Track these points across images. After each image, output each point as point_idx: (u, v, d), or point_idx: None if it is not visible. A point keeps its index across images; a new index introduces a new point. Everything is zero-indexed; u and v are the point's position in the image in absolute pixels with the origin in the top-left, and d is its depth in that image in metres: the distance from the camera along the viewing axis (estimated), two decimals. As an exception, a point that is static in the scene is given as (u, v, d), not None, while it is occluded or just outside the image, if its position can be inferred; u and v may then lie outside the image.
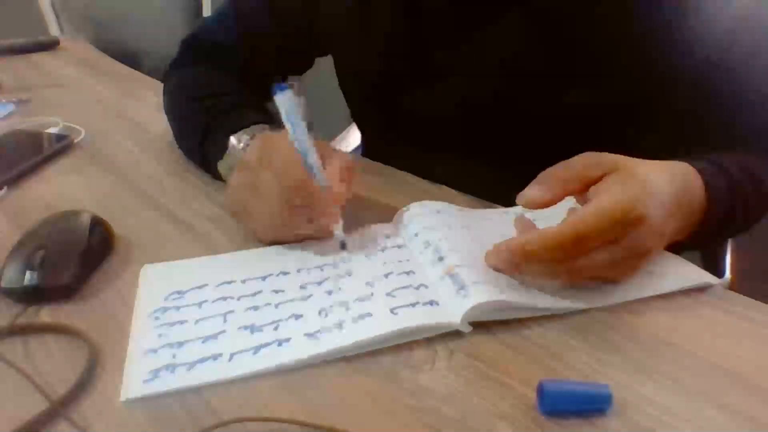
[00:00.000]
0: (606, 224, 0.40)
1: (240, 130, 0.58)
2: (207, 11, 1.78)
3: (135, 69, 1.16)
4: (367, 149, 0.84)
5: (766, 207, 0.56)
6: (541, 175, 0.44)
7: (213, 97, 0.67)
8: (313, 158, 0.48)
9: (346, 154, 0.53)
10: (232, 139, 0.58)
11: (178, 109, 0.73)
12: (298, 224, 0.50)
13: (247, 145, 0.57)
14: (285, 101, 0.48)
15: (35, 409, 0.35)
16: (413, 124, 0.68)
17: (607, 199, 0.41)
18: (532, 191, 0.43)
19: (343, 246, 0.50)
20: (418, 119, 0.67)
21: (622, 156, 0.44)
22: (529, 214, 0.47)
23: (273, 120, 0.60)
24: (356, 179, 0.52)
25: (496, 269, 0.44)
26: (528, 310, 0.42)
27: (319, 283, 0.46)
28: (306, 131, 0.49)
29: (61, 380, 0.38)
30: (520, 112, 0.62)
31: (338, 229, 0.50)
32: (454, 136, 0.66)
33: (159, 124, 0.82)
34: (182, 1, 1.78)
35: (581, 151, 0.45)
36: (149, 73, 1.11)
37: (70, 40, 1.41)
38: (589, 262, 0.41)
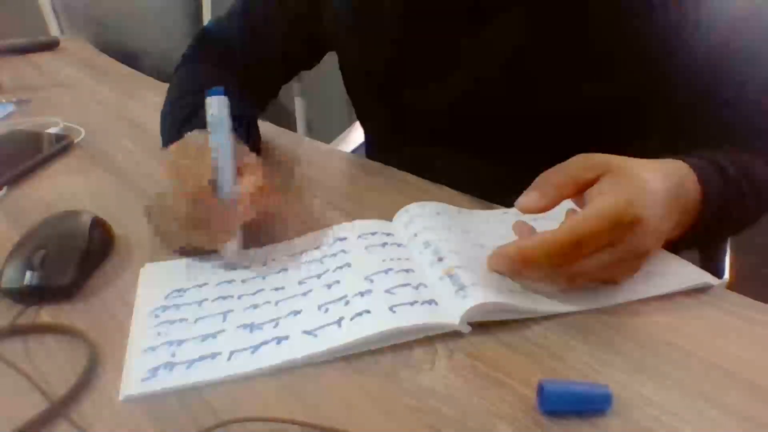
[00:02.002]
0: (603, 227, 0.40)
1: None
2: (207, 11, 1.78)
3: (135, 69, 1.16)
4: (371, 146, 0.84)
5: (764, 205, 0.56)
6: (537, 181, 0.44)
7: (197, 93, 0.68)
8: (227, 170, 0.47)
9: (266, 172, 0.52)
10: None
11: (165, 104, 0.73)
12: (191, 235, 0.48)
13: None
14: (215, 106, 0.47)
15: (35, 409, 0.35)
16: (418, 121, 0.69)
17: (603, 201, 0.41)
18: (528, 197, 0.44)
19: (230, 266, 0.49)
20: (422, 115, 0.68)
21: (616, 156, 0.44)
22: (528, 215, 0.47)
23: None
24: (271, 200, 0.50)
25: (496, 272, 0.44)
26: (527, 312, 0.42)
27: (319, 277, 0.47)
28: (228, 141, 0.48)
29: (61, 380, 0.38)
30: (524, 108, 0.62)
31: (229, 248, 0.48)
32: (459, 132, 0.66)
33: (159, 124, 0.82)
34: (182, 1, 1.78)
35: (583, 149, 0.45)
36: (149, 73, 1.11)
37: (70, 40, 1.41)
38: (588, 265, 0.41)
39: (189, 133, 0.53)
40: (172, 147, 0.52)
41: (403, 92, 0.68)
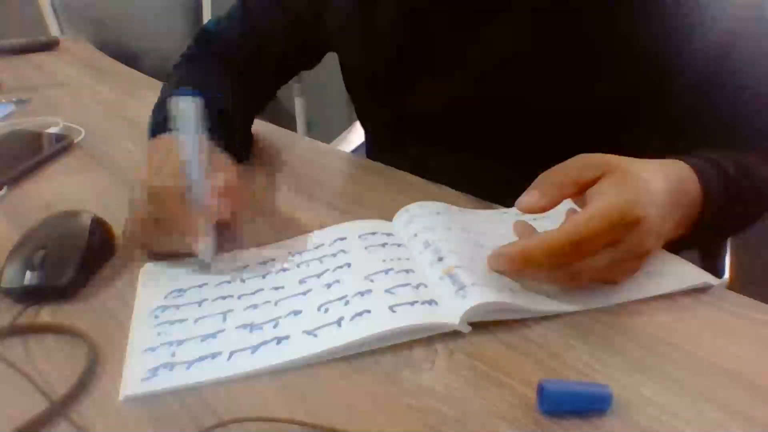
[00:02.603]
0: (604, 228, 0.40)
1: None
2: (207, 11, 1.78)
3: (135, 69, 1.16)
4: (371, 147, 0.84)
5: (764, 205, 0.56)
6: (537, 180, 0.44)
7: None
8: (194, 169, 0.47)
9: (234, 171, 0.52)
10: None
11: (155, 104, 0.73)
12: (160, 237, 0.48)
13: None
14: (184, 108, 0.47)
15: (35, 409, 0.35)
16: (419, 120, 0.69)
17: (603, 202, 0.41)
18: (528, 197, 0.44)
19: (204, 266, 0.48)
20: (423, 115, 0.68)
21: (616, 156, 0.44)
22: (529, 215, 0.47)
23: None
24: (240, 200, 0.50)
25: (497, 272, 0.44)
26: (527, 312, 0.42)
27: (319, 276, 0.47)
28: (196, 142, 0.47)
29: (61, 380, 0.38)
30: (525, 108, 0.62)
31: (203, 249, 0.47)
32: (459, 131, 0.66)
33: (159, 124, 0.82)
34: (182, 1, 1.78)
35: (583, 149, 0.45)
36: (149, 73, 1.11)
37: (70, 40, 1.41)
38: (589, 265, 0.41)
39: (163, 134, 0.53)
40: (148, 149, 0.51)
41: (404, 92, 0.68)
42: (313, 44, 0.78)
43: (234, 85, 0.73)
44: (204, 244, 0.47)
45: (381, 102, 0.72)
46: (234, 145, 0.59)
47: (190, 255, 0.48)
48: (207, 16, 1.78)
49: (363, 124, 0.84)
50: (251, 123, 0.77)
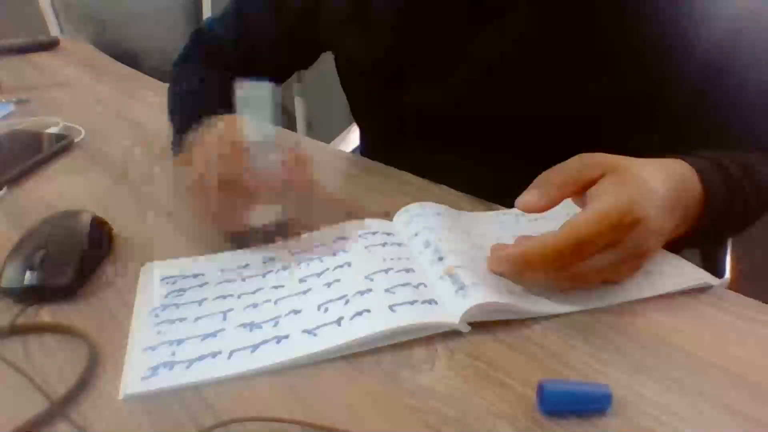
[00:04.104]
0: (604, 228, 0.40)
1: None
2: (207, 11, 1.78)
3: (135, 69, 1.16)
4: (366, 147, 0.84)
5: (765, 204, 0.56)
6: (538, 180, 0.44)
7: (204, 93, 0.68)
8: (262, 136, 0.48)
9: (302, 150, 0.53)
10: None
11: (173, 107, 0.73)
12: (234, 211, 0.48)
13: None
14: (256, 93, 0.48)
15: (35, 409, 0.35)
16: (418, 120, 0.68)
17: (603, 202, 0.41)
18: (528, 196, 0.44)
19: (268, 237, 0.50)
20: (423, 114, 0.68)
21: (617, 156, 0.44)
22: (530, 214, 0.47)
23: None
24: (311, 169, 0.51)
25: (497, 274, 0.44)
26: (528, 312, 0.42)
27: (319, 275, 0.47)
28: (268, 122, 0.49)
29: (61, 380, 0.38)
30: (526, 107, 0.62)
31: (262, 216, 0.49)
32: (460, 131, 0.66)
33: (159, 123, 0.82)
34: (182, 1, 1.78)
35: (585, 148, 0.45)
36: (149, 73, 1.11)
37: (70, 40, 1.41)
38: (590, 266, 0.41)
39: (210, 119, 0.54)
40: (200, 131, 0.52)
41: (404, 91, 0.68)
42: (309, 43, 0.78)
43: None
44: (265, 212, 0.49)
45: (380, 101, 0.72)
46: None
47: (266, 230, 0.50)
48: (207, 16, 1.78)
49: (359, 125, 0.84)
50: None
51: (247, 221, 0.49)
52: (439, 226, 0.50)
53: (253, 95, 0.48)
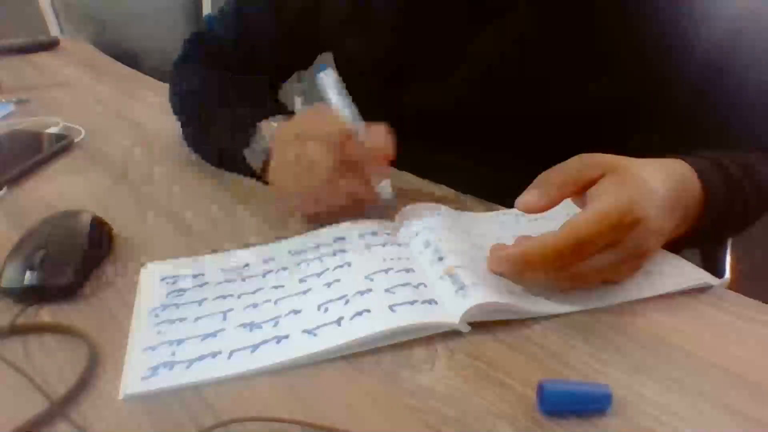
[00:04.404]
0: (604, 229, 0.40)
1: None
2: (207, 11, 1.78)
3: (135, 69, 1.16)
4: None
5: (765, 204, 0.56)
6: (538, 180, 0.44)
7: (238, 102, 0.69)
8: (359, 122, 0.52)
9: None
10: (263, 124, 0.59)
11: (196, 113, 0.73)
12: (347, 187, 0.51)
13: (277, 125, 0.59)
14: (328, 79, 0.54)
15: (35, 409, 0.35)
16: (418, 120, 0.68)
17: (603, 202, 0.41)
18: (528, 196, 0.44)
19: (387, 201, 0.53)
20: (423, 114, 0.67)
21: (617, 156, 0.44)
22: (530, 214, 0.47)
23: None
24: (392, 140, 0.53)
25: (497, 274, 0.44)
26: (528, 312, 0.42)
27: (319, 275, 0.47)
28: (345, 101, 0.54)
29: (61, 380, 0.38)
30: (526, 107, 0.62)
31: (384, 189, 0.53)
32: (460, 131, 0.66)
33: (159, 123, 0.82)
34: (182, 1, 1.78)
35: (585, 148, 0.45)
36: (149, 73, 1.11)
37: (70, 40, 1.41)
38: (590, 266, 0.41)
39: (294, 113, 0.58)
40: (287, 127, 0.55)
41: (404, 91, 0.68)
42: (309, 43, 0.78)
43: (232, 85, 0.73)
44: (384, 185, 0.54)
45: (380, 101, 0.72)
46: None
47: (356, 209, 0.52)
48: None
49: None
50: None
51: (375, 198, 0.53)
52: (439, 226, 0.50)
53: (324, 81, 0.53)
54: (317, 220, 0.53)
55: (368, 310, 0.41)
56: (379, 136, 0.51)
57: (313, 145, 0.51)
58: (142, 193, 0.64)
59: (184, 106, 0.75)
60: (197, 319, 0.43)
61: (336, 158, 0.50)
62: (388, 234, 0.51)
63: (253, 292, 0.46)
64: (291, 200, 0.55)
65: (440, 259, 0.46)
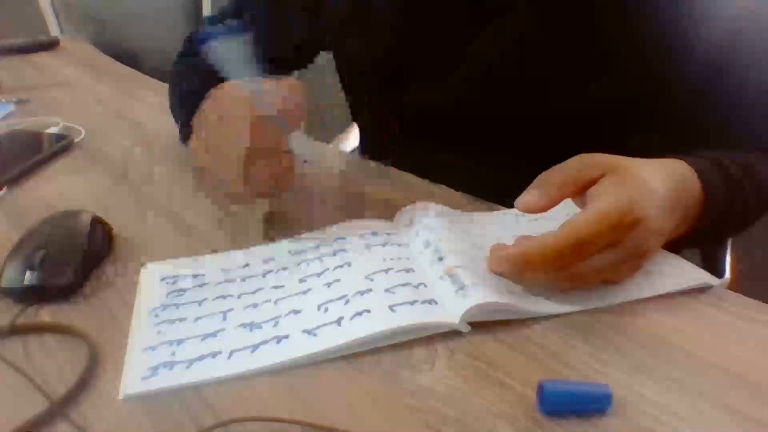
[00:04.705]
0: (604, 229, 0.40)
1: None
2: (207, 11, 1.78)
3: (135, 69, 1.16)
4: (366, 147, 0.84)
5: (765, 204, 0.56)
6: (538, 180, 0.44)
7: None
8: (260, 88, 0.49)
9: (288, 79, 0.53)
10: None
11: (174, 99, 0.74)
12: (265, 170, 0.49)
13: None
14: (225, 50, 0.51)
15: (35, 409, 0.35)
16: (418, 120, 0.68)
17: (603, 202, 0.41)
18: (528, 196, 0.44)
19: (304, 156, 0.51)
20: (420, 115, 0.68)
21: (617, 156, 0.44)
22: (530, 214, 0.47)
23: None
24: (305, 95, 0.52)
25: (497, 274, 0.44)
26: (528, 312, 0.42)
27: (319, 275, 0.47)
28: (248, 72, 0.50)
29: (61, 380, 0.38)
30: (527, 107, 0.62)
31: (295, 138, 0.50)
32: (460, 131, 0.66)
33: (159, 123, 0.82)
34: (182, 1, 1.78)
35: (585, 148, 0.45)
36: (149, 73, 1.11)
37: (70, 40, 1.41)
38: (590, 266, 0.41)
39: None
40: (205, 106, 0.53)
41: (404, 91, 0.68)
42: (307, 42, 0.78)
43: None
44: (295, 135, 0.50)
45: (380, 101, 0.72)
46: None
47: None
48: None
49: (358, 123, 0.84)
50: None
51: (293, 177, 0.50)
52: (439, 226, 0.50)
53: (228, 51, 0.50)
54: (241, 200, 0.53)
55: (368, 310, 0.41)
56: (285, 90, 0.49)
57: (227, 130, 0.49)
58: (142, 193, 0.64)
59: (184, 105, 0.75)
60: (197, 319, 0.43)
61: (250, 141, 0.48)
62: (388, 234, 0.51)
63: (253, 292, 0.46)
64: (211, 181, 0.53)
65: (440, 259, 0.46)
